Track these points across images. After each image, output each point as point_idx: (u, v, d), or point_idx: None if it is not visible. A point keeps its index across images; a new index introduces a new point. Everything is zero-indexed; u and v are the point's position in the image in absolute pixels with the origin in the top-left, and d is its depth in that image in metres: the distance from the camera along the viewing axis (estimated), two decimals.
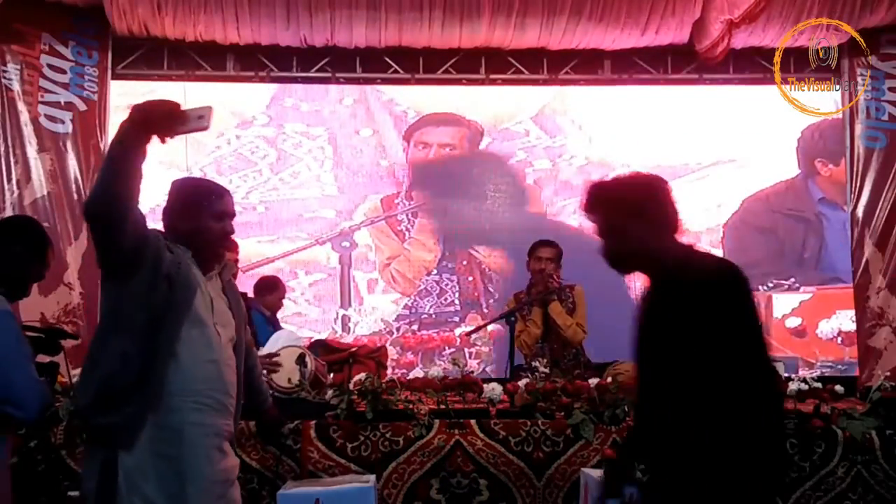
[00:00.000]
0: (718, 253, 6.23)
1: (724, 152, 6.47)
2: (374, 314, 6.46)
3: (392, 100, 6.60)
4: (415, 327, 6.51)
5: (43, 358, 2.62)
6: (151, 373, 2.15)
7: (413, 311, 6.53)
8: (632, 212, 2.08)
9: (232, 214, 2.43)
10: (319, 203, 6.49)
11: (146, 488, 2.13)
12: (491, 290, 6.55)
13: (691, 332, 1.93)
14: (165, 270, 2.20)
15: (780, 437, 2.01)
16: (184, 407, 2.20)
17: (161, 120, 2.09)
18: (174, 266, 2.23)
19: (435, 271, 6.58)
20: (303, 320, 6.35)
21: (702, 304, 1.93)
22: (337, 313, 6.45)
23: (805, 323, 6.39)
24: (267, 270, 6.11)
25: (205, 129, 2.11)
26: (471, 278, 6.57)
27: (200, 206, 2.35)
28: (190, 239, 2.34)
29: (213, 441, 2.27)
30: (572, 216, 6.43)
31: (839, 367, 6.24)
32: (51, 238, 2.69)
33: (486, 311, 6.49)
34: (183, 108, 2.10)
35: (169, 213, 2.39)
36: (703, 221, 6.46)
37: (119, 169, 2.06)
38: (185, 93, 6.18)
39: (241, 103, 6.42)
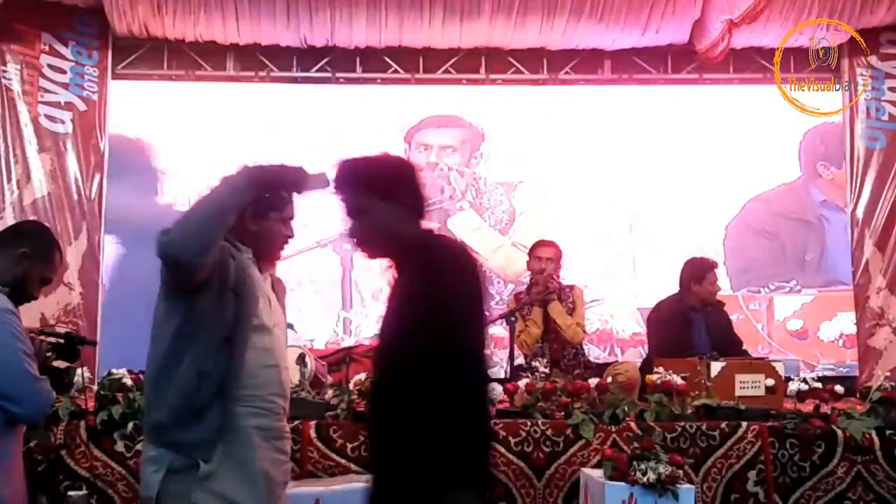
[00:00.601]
0: (720, 255, 6.22)
1: (725, 153, 6.43)
2: (375, 317, 6.44)
3: (392, 102, 6.57)
4: None
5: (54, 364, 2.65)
6: (227, 385, 2.15)
7: None
8: (380, 192, 2.04)
9: (293, 218, 2.42)
10: (319, 207, 6.43)
11: (214, 493, 2.12)
12: (491, 291, 6.53)
13: (418, 316, 1.90)
14: (232, 282, 2.18)
15: (482, 433, 2.01)
16: (250, 412, 2.19)
17: (294, 182, 2.24)
18: (239, 276, 2.20)
19: None
20: (305, 325, 6.31)
21: (430, 288, 1.91)
22: (338, 316, 6.43)
23: (806, 325, 6.35)
24: None
25: (326, 186, 2.23)
26: None
27: (271, 209, 2.32)
28: (257, 240, 2.30)
29: (277, 444, 2.29)
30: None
31: (841, 369, 6.21)
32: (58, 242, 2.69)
33: (486, 312, 6.42)
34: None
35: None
36: (704, 222, 6.43)
37: (221, 220, 2.07)
38: (186, 93, 6.20)
39: (240, 104, 6.38)
